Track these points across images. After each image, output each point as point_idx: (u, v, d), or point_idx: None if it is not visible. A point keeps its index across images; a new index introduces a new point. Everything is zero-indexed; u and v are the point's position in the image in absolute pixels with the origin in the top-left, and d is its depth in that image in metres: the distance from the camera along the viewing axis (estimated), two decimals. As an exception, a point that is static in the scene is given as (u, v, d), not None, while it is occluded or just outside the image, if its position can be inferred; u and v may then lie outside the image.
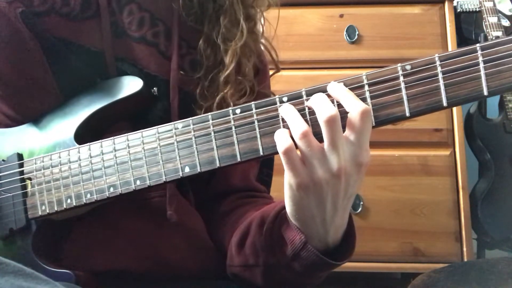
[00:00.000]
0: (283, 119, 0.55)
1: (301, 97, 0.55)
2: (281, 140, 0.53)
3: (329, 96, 0.54)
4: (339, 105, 0.53)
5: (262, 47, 0.82)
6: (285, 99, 0.55)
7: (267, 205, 0.69)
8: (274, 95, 0.82)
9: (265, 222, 0.64)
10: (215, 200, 0.78)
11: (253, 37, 0.77)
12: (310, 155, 0.52)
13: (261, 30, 0.81)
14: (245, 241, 0.67)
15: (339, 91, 0.53)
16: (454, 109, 1.64)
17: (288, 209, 0.58)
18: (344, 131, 0.52)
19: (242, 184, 0.78)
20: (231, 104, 0.72)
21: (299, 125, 0.53)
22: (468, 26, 1.81)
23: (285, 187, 0.56)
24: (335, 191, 0.53)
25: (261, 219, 0.65)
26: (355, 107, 0.51)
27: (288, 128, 0.54)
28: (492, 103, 1.78)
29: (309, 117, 0.54)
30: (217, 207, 0.77)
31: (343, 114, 0.52)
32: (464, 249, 1.59)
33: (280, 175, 0.78)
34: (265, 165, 0.84)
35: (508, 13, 1.72)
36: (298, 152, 0.53)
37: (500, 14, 1.71)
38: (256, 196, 0.79)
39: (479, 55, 0.50)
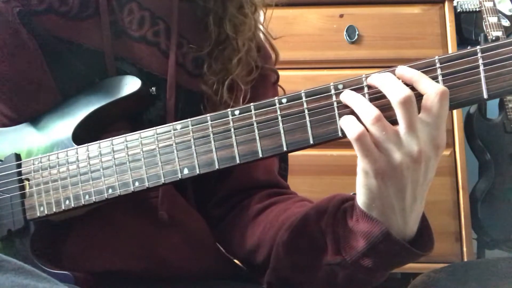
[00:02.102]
0: (283, 120, 0.54)
1: (301, 98, 0.54)
2: (352, 126, 0.51)
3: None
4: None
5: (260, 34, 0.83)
6: (284, 100, 0.55)
7: (304, 201, 0.68)
8: (284, 90, 0.83)
9: (322, 218, 0.60)
10: (238, 196, 0.76)
11: (253, 22, 0.78)
12: (385, 139, 0.50)
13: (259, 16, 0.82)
14: (298, 240, 0.63)
15: (412, 73, 0.51)
16: (454, 109, 1.64)
17: (363, 199, 0.54)
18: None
19: (266, 178, 0.77)
20: (242, 86, 0.73)
21: (370, 110, 0.51)
22: (468, 26, 1.81)
23: (360, 175, 0.53)
24: (415, 176, 0.51)
25: (317, 215, 0.61)
26: (433, 88, 0.50)
27: (312, 125, 0.53)
28: (492, 103, 1.77)
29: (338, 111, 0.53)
30: (245, 204, 0.75)
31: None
32: (464, 249, 1.59)
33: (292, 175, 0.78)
34: (282, 160, 0.83)
35: (508, 13, 1.72)
36: None
37: (500, 14, 1.71)
38: (283, 193, 0.76)
39: (479, 57, 0.50)
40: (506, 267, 0.87)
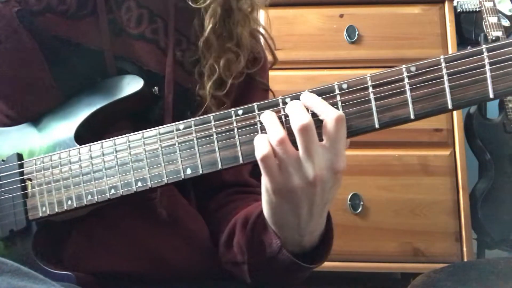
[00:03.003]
0: (286, 120, 0.55)
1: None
2: (260, 146, 0.53)
3: None
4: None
5: (261, 38, 0.83)
6: (288, 100, 0.55)
7: (254, 203, 0.70)
8: (274, 95, 0.83)
9: (248, 222, 0.65)
10: (207, 195, 0.78)
11: (247, 18, 0.77)
12: (286, 162, 0.53)
13: (257, 18, 0.81)
14: (232, 240, 0.68)
15: (311, 99, 0.54)
16: (454, 109, 1.64)
17: (265, 212, 0.59)
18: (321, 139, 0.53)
19: (234, 179, 0.79)
20: (227, 77, 0.72)
21: (276, 132, 0.53)
22: (468, 26, 1.81)
23: (262, 191, 0.57)
24: (310, 198, 0.54)
25: (244, 220, 0.66)
26: (329, 115, 0.52)
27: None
28: (492, 103, 1.78)
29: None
30: (208, 203, 0.78)
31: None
32: (464, 249, 1.59)
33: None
34: None
35: (508, 13, 1.72)
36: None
37: (500, 14, 1.71)
38: (249, 192, 0.78)
39: (485, 57, 0.50)
40: (506, 267, 0.87)
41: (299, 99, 0.55)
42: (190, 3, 0.73)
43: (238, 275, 0.69)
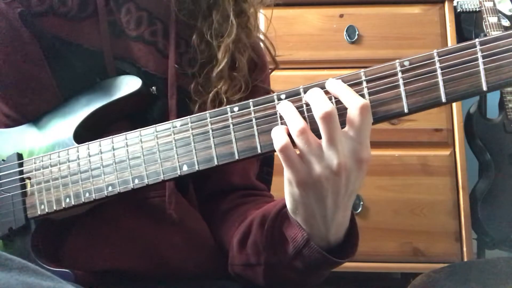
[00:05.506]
0: (281, 116, 0.54)
1: (299, 94, 0.55)
2: (278, 137, 0.53)
3: (327, 92, 0.53)
4: (339, 101, 0.53)
5: (261, 44, 0.83)
6: (283, 96, 0.55)
7: (268, 203, 0.69)
8: (273, 92, 0.82)
9: (266, 220, 0.63)
10: (215, 198, 0.78)
11: (246, 32, 0.77)
12: (308, 152, 0.52)
13: (257, 25, 0.81)
14: (247, 240, 0.67)
15: (337, 87, 0.53)
16: (454, 109, 1.64)
17: (289, 205, 0.57)
18: (344, 127, 0.52)
19: (242, 182, 0.78)
20: (225, 99, 0.72)
21: (296, 122, 0.52)
22: (468, 26, 1.81)
23: (285, 183, 0.55)
24: (335, 188, 0.53)
25: (262, 218, 0.65)
26: (354, 103, 0.51)
27: (287, 125, 0.53)
28: (492, 103, 1.78)
29: (307, 114, 0.54)
30: (218, 205, 0.77)
31: (343, 110, 0.52)
32: (464, 249, 1.60)
33: (280, 175, 0.79)
34: (265, 164, 0.84)
35: (508, 13, 1.72)
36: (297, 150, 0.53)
37: (500, 14, 1.71)
38: (257, 195, 0.79)
39: (478, 50, 0.50)
40: (506, 267, 0.88)
41: (295, 95, 0.55)
42: (208, 37, 0.74)
43: (250, 279, 0.68)
